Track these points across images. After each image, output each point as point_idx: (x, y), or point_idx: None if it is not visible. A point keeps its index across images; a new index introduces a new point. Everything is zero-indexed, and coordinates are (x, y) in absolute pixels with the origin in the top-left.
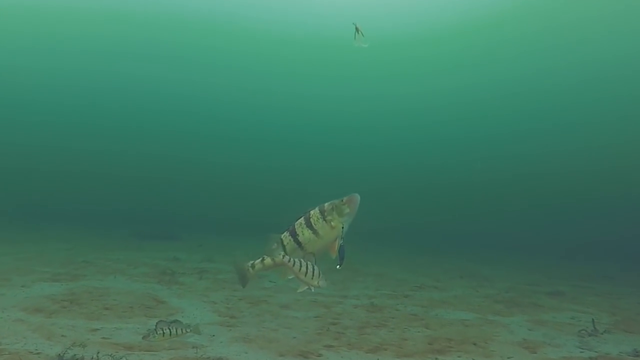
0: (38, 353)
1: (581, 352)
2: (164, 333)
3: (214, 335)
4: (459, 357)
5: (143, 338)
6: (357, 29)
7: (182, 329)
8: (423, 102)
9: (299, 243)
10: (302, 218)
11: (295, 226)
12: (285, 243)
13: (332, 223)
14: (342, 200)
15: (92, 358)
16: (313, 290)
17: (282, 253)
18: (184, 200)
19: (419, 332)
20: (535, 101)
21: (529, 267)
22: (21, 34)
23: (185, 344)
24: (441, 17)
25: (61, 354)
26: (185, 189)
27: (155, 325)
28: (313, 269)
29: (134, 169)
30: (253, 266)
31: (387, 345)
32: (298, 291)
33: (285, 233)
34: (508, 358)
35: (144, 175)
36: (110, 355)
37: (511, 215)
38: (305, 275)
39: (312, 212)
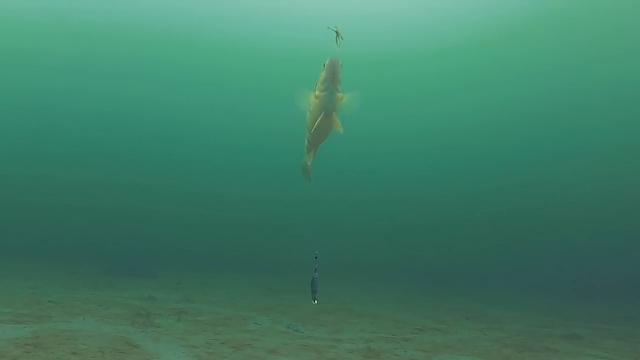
0: None
1: None
2: None
3: None
4: None
5: None
6: (337, 33)
7: None
8: (422, 125)
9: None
10: None
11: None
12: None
13: (316, 93)
14: (323, 66)
15: None
16: None
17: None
18: (159, 234)
19: None
20: (544, 125)
21: (542, 308)
22: None
23: None
24: (449, 31)
25: None
26: (161, 221)
27: None
28: None
29: (103, 198)
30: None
31: None
32: None
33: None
34: None
35: (115, 205)
36: None
37: (521, 250)
38: None
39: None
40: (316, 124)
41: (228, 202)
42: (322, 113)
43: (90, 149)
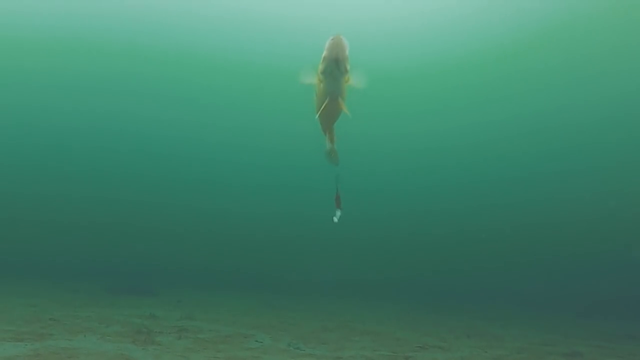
0: None
1: None
2: None
3: None
4: None
5: None
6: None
7: None
8: (423, 143)
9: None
10: None
11: None
12: None
13: (320, 77)
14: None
15: None
16: None
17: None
18: (160, 251)
19: None
20: (547, 142)
21: (544, 325)
22: None
23: None
24: (447, 49)
25: None
26: (162, 238)
27: None
28: None
29: (104, 215)
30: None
31: None
32: None
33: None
34: None
35: (116, 223)
36: None
37: (523, 267)
38: None
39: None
40: (321, 109)
41: (229, 219)
42: (327, 98)
43: (91, 166)
